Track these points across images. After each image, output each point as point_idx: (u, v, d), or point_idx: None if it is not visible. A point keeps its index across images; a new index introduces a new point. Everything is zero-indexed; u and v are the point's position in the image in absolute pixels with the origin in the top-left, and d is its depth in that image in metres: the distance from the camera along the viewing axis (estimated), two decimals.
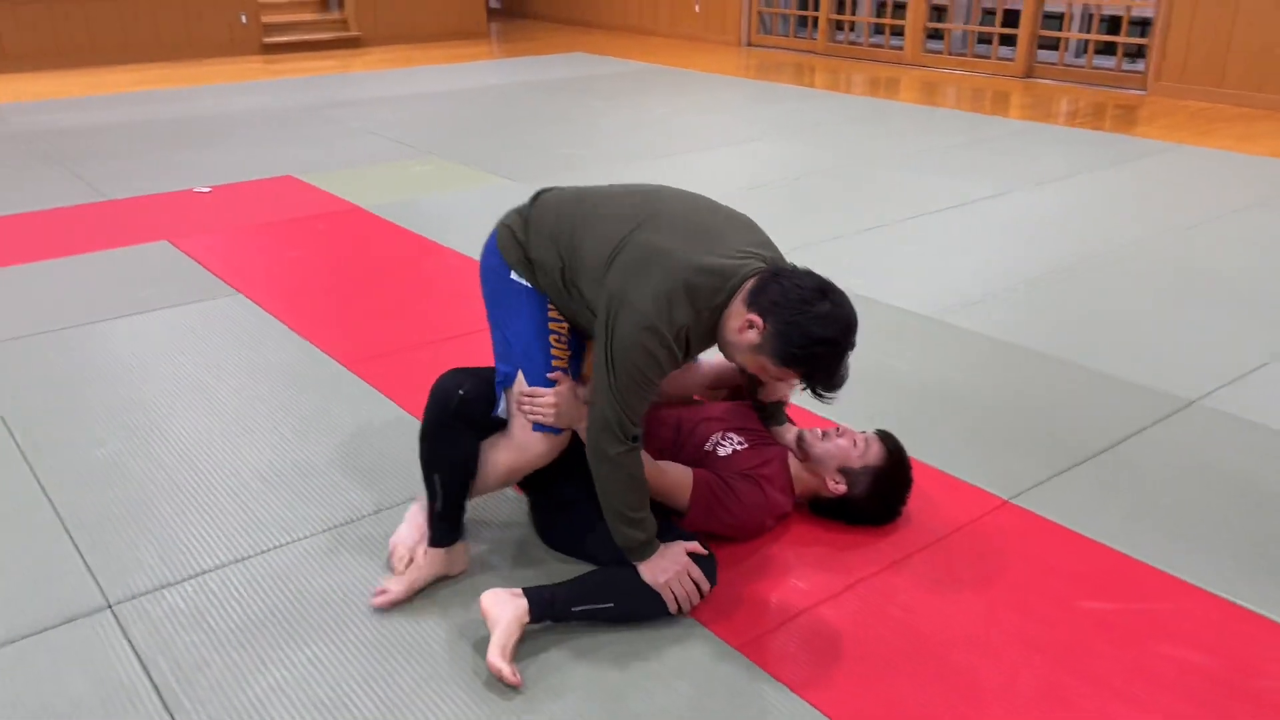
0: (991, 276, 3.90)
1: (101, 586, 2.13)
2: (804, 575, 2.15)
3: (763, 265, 1.93)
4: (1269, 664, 1.92)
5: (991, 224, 4.55)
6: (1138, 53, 8.04)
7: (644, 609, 1.99)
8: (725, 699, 1.83)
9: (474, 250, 4.12)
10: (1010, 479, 2.52)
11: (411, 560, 2.14)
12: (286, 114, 6.97)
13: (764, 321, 1.84)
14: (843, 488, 2.22)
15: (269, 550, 2.25)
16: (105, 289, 3.76)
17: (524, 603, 1.94)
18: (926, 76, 8.55)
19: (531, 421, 2.08)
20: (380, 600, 2.06)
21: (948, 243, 4.30)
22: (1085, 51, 8.27)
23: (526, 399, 2.08)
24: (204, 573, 2.18)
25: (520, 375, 2.10)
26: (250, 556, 2.23)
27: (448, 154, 5.79)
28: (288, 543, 2.28)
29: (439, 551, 2.12)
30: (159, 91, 7.82)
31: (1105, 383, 3.02)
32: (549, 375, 2.09)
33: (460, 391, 2.10)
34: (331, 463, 2.60)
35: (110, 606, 2.07)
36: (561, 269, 2.03)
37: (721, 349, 2.00)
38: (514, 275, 2.09)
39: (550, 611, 1.96)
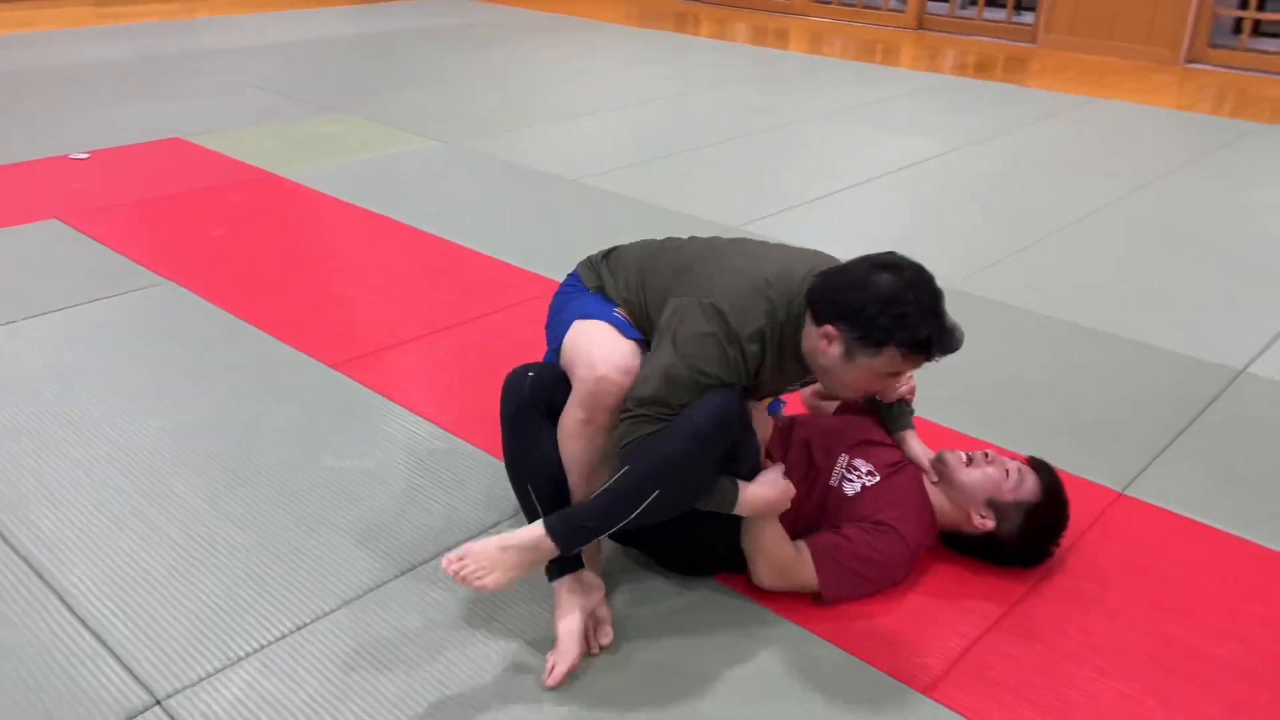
0: (959, 241, 3.78)
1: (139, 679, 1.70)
2: (959, 604, 1.93)
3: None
4: None
5: (935, 186, 4.45)
6: (1028, 5, 8.15)
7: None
8: None
9: (428, 222, 3.72)
10: (1110, 468, 2.38)
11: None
12: (144, 66, 6.16)
13: (836, 328, 1.69)
14: (990, 523, 1.94)
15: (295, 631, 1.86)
16: None
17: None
18: (814, 27, 8.43)
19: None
20: (554, 679, 1.69)
21: (886, 207, 4.17)
22: (974, 3, 8.33)
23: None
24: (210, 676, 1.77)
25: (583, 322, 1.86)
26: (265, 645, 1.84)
27: (356, 111, 5.23)
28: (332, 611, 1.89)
29: (568, 581, 1.78)
30: None
31: (1149, 354, 2.93)
32: (614, 311, 1.88)
33: (530, 374, 1.86)
34: (356, 491, 2.20)
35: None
36: (642, 303, 1.87)
37: (825, 383, 1.82)
38: (589, 290, 1.93)
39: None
